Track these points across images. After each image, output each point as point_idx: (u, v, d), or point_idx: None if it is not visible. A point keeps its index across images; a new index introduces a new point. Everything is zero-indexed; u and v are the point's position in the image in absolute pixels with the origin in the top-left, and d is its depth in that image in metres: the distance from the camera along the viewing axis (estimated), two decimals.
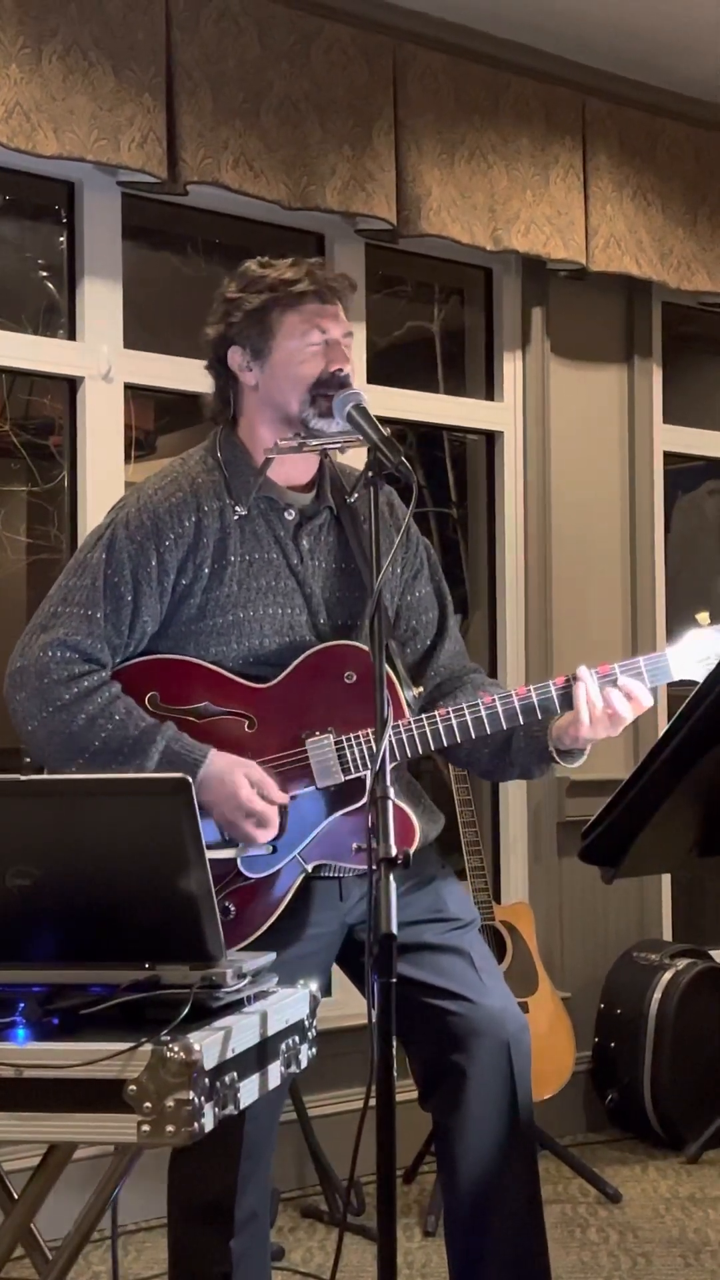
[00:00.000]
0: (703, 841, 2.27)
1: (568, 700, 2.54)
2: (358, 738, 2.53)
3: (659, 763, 2.06)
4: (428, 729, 2.53)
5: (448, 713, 2.54)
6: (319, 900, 2.57)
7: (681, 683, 2.54)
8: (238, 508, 2.60)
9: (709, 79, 4.73)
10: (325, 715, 2.54)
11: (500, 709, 2.53)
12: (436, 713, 2.54)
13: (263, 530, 2.62)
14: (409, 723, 2.54)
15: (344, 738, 2.53)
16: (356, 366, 4.09)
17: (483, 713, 2.53)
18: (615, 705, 2.52)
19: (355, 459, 2.57)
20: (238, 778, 2.47)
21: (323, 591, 2.64)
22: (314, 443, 2.57)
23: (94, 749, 2.48)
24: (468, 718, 2.53)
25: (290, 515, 2.64)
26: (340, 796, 2.54)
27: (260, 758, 2.53)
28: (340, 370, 2.59)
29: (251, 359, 2.63)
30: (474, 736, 2.54)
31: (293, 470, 2.66)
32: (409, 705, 2.58)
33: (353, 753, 2.52)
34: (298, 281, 2.61)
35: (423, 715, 2.55)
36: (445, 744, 2.55)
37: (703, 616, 2.56)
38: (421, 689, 2.69)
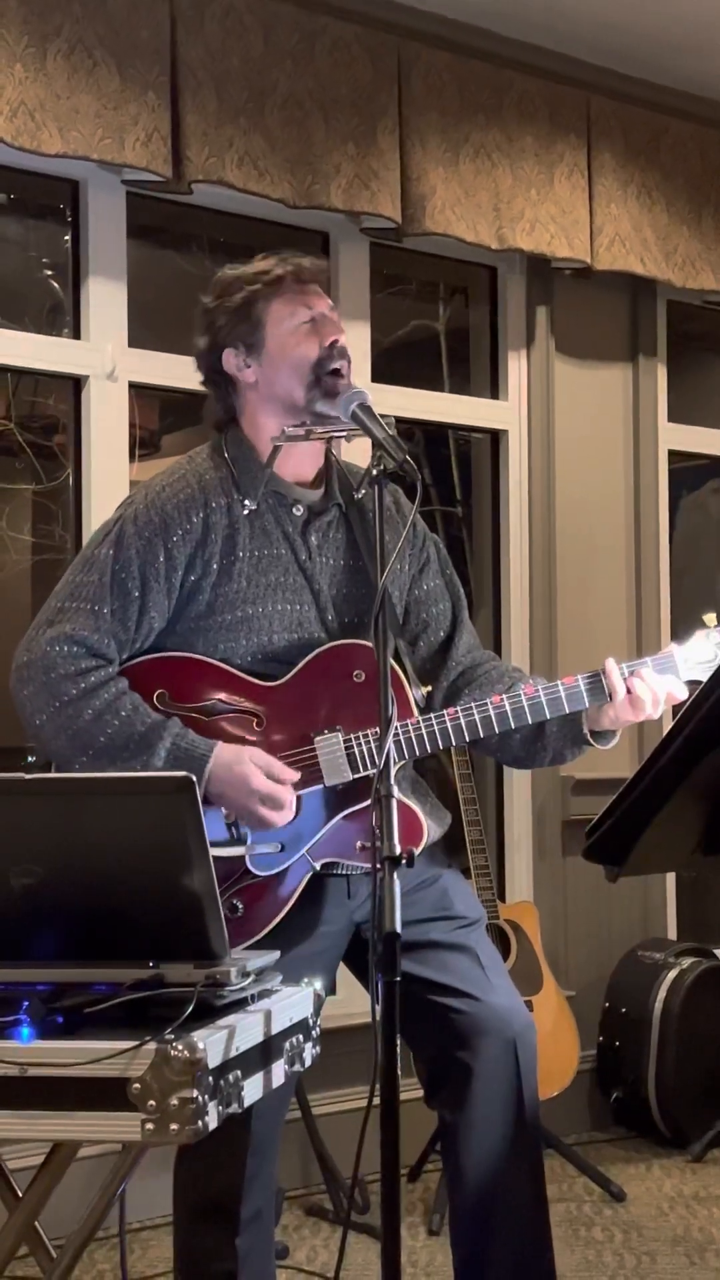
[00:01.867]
0: (707, 840, 2.28)
1: (575, 699, 2.55)
2: (366, 736, 2.53)
3: (663, 762, 2.06)
4: (435, 729, 2.54)
5: (456, 712, 2.54)
6: (327, 898, 2.57)
7: (688, 683, 2.55)
8: (246, 502, 2.60)
9: (713, 77, 4.72)
10: (334, 714, 2.55)
11: (509, 708, 2.54)
12: (445, 712, 2.55)
13: (271, 526, 2.62)
14: (417, 722, 2.54)
15: (352, 736, 2.53)
16: (361, 365, 4.10)
17: (491, 712, 2.54)
18: (639, 693, 2.54)
19: (360, 457, 2.57)
20: (245, 764, 2.47)
21: (330, 588, 2.64)
22: (320, 430, 2.57)
23: (100, 745, 2.48)
24: (475, 717, 2.54)
25: (298, 511, 2.64)
26: (349, 795, 2.54)
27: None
28: (336, 341, 2.60)
29: (247, 355, 2.64)
30: (481, 735, 2.55)
31: (299, 465, 2.66)
32: (416, 704, 2.58)
33: (361, 751, 2.53)
34: (271, 269, 2.63)
35: (430, 715, 2.56)
36: (454, 743, 2.56)
37: (710, 618, 2.56)
38: (430, 688, 2.68)
